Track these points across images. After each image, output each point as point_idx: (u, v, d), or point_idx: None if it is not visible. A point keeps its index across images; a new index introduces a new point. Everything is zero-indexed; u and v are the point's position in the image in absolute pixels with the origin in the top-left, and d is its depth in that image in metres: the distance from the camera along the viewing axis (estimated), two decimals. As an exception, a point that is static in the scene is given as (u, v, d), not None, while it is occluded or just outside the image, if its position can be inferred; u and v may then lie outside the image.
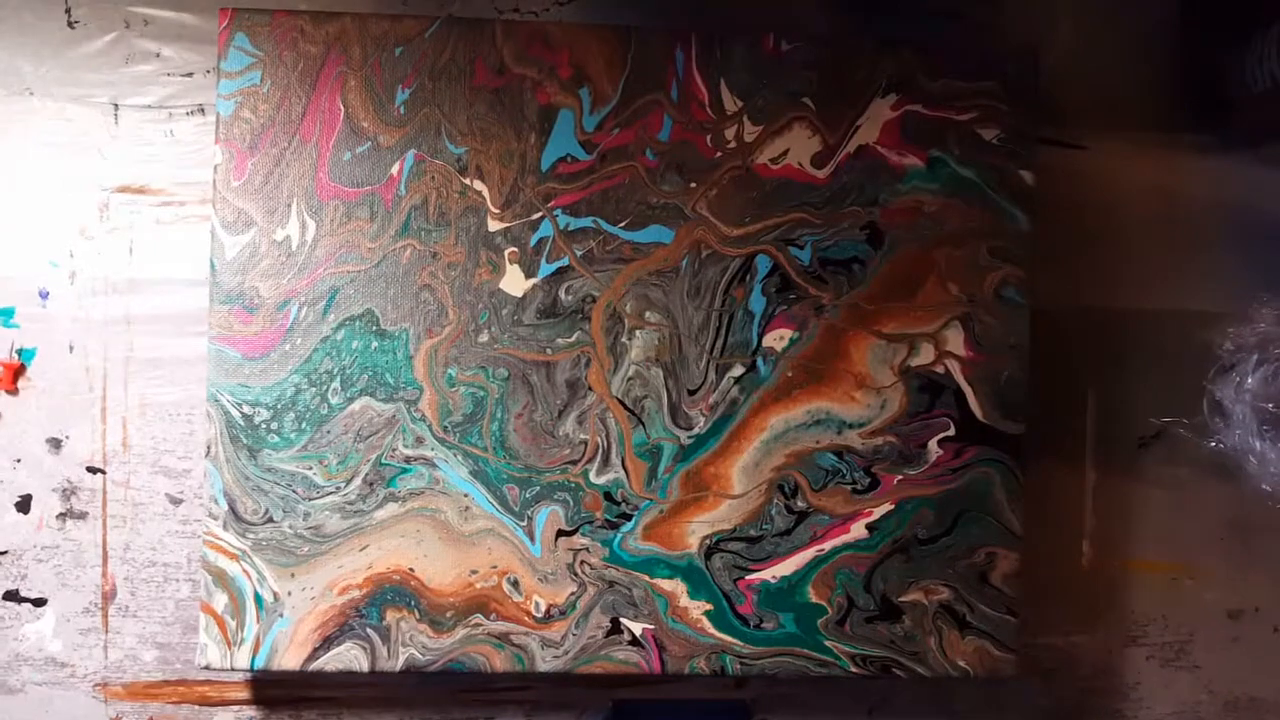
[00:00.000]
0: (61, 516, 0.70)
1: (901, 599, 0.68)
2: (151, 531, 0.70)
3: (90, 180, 0.70)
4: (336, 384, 0.66)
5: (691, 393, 0.67)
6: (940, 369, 0.68)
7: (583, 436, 0.67)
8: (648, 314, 0.67)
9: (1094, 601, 0.75)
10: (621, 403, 0.67)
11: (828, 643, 0.67)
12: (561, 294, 0.67)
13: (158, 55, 0.70)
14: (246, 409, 0.65)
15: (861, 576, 0.68)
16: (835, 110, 0.68)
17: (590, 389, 0.67)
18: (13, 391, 0.70)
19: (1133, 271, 0.75)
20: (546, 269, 0.67)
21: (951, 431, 0.68)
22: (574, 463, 0.67)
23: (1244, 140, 0.75)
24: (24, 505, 0.70)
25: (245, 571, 0.65)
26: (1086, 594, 0.75)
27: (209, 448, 0.65)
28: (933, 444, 0.68)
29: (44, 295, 0.70)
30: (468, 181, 0.66)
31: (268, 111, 0.65)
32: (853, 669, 0.67)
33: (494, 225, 0.67)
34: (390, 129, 0.66)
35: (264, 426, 0.65)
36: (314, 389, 0.66)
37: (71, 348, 0.70)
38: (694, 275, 0.67)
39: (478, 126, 0.66)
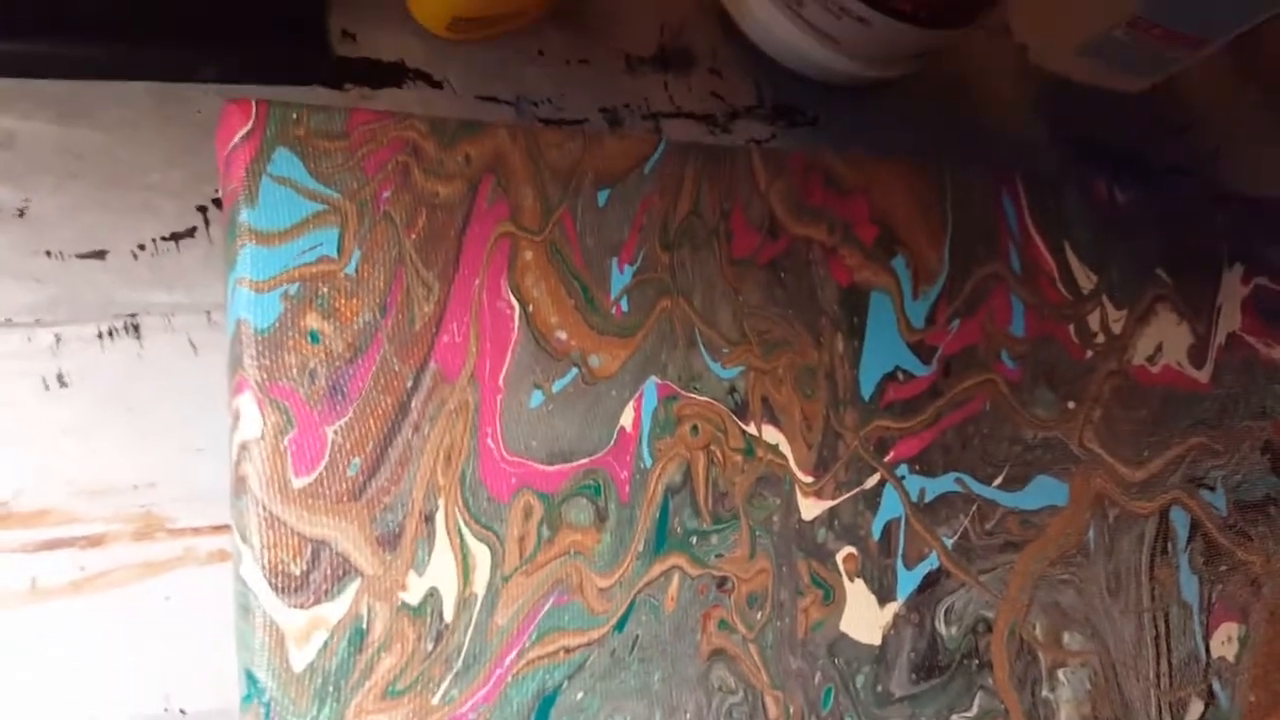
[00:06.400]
0: None
1: None
2: None
3: None
4: None
5: (1154, 767, 0.38)
6: (1393, 648, 0.45)
7: None
8: (1065, 636, 0.38)
9: None
10: (1069, 816, 0.36)
11: None
12: (939, 625, 0.36)
13: (20, 213, 0.31)
14: None
15: None
16: (1192, 286, 0.46)
17: (1020, 803, 0.35)
18: None
19: None
20: (907, 580, 0.35)
21: None
22: None
23: None
24: None
25: None
26: None
27: None
28: None
29: None
30: (752, 430, 0.34)
31: (364, 316, 0.29)
32: None
33: (810, 508, 0.35)
34: (609, 341, 0.33)
35: None
36: None
37: None
38: (1108, 555, 0.40)
39: (753, 329, 0.35)
